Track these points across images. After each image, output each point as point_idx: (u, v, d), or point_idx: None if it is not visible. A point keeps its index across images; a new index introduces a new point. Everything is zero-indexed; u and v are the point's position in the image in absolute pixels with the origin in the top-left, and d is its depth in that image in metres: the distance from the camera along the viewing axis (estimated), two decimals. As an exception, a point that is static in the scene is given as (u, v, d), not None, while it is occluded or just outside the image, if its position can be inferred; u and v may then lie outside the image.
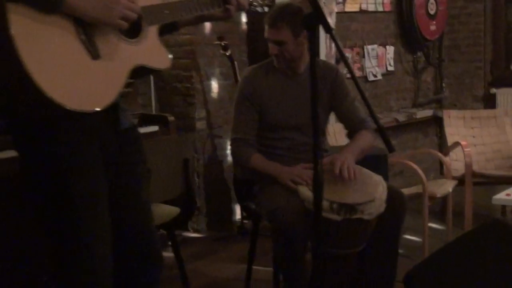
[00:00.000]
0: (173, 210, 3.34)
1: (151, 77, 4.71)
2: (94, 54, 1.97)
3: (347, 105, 3.31)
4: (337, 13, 5.63)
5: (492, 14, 6.81)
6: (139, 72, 2.10)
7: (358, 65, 6.12)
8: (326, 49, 5.27)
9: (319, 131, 2.03)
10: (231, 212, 5.00)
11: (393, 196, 3.03)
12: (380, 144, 4.91)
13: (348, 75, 5.77)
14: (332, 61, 5.40)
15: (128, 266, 2.23)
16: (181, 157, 3.20)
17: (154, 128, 3.96)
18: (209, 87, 4.85)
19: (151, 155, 3.02)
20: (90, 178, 2.05)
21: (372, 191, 2.96)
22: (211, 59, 4.83)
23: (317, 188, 2.06)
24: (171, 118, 4.03)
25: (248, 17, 4.96)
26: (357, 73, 6.09)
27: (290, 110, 3.24)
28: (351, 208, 2.86)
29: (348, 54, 5.97)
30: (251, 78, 3.28)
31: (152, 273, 2.28)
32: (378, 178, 3.09)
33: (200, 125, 4.81)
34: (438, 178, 5.41)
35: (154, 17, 2.11)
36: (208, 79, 4.84)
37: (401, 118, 6.30)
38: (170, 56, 2.15)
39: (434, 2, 6.59)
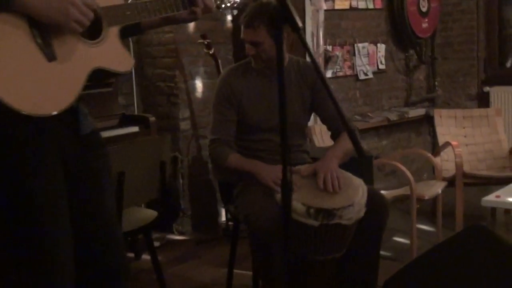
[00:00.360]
0: (150, 214, 3.24)
1: (133, 76, 4.61)
2: (50, 56, 1.88)
3: (329, 105, 3.22)
4: (326, 10, 5.54)
5: (485, 10, 6.71)
6: (99, 75, 2.01)
7: (348, 63, 6.03)
8: (312, 47, 5.17)
9: (286, 133, 1.93)
10: (217, 214, 4.91)
11: (374, 200, 2.94)
12: (365, 145, 4.82)
13: (341, 74, 5.73)
14: (320, 61, 5.32)
15: (91, 277, 2.14)
16: (159, 158, 3.11)
17: (134, 129, 3.88)
18: (193, 87, 4.75)
19: (127, 157, 2.97)
20: (49, 182, 1.97)
21: (352, 195, 2.87)
22: (195, 58, 4.73)
23: (286, 192, 1.98)
24: (152, 118, 3.95)
25: (233, 15, 4.87)
26: (348, 72, 6.01)
27: (268, 111, 3.16)
28: (329, 213, 2.77)
29: (338, 52, 5.88)
30: (228, 78, 3.19)
31: (117, 285, 2.19)
32: (358, 181, 3.00)
33: (184, 125, 4.72)
34: (431, 179, 5.31)
35: (114, 18, 2.01)
36: (192, 78, 4.74)
37: (393, 117, 6.21)
38: (132, 58, 2.06)
39: (426, -1, 6.52)
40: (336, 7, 5.86)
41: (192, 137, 4.74)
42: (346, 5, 5.92)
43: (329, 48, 5.78)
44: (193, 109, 4.73)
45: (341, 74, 5.97)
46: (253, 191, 3.00)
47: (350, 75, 6.03)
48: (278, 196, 2.88)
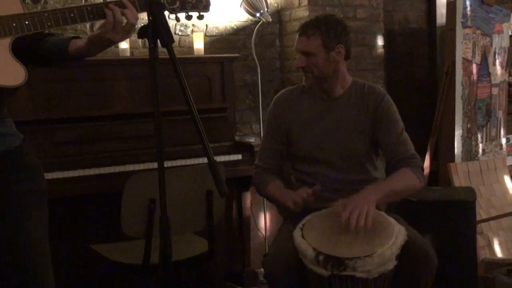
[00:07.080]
0: (202, 244, 3.11)
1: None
2: None
3: (391, 138, 2.78)
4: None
5: None
6: None
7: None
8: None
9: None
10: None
11: (412, 252, 2.47)
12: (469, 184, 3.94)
13: None
14: (497, 91, 4.63)
15: None
16: (205, 187, 2.97)
17: (237, 156, 3.76)
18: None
19: (177, 184, 2.87)
20: None
21: (376, 244, 2.42)
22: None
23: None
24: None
25: (384, 39, 4.47)
26: None
27: (320, 141, 2.83)
28: (339, 262, 2.37)
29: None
30: (281, 100, 2.94)
31: None
32: (397, 228, 2.51)
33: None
34: None
35: (3, 28, 1.90)
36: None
37: None
38: (24, 71, 1.89)
39: None
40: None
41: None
42: None
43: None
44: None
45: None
46: (281, 230, 2.71)
47: None
48: (294, 237, 2.54)
